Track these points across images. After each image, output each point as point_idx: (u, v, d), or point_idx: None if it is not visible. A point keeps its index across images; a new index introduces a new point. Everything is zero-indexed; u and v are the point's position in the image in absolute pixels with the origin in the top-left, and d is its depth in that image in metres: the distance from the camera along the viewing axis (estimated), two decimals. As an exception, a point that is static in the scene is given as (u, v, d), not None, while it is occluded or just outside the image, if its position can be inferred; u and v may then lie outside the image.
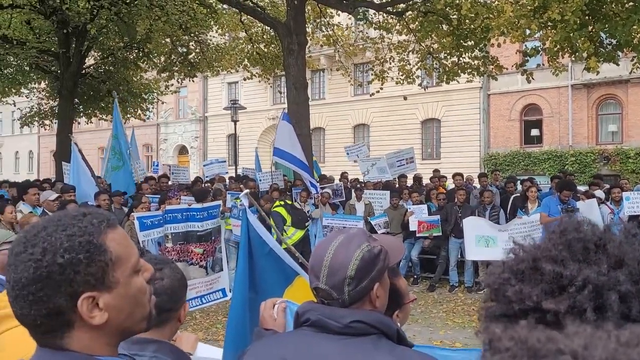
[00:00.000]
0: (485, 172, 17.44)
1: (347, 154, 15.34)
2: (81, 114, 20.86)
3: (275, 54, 18.18)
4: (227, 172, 15.57)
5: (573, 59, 12.33)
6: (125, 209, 8.97)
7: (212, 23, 17.48)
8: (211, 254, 7.74)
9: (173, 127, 36.70)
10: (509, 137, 24.75)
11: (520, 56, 13.18)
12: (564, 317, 0.70)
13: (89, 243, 0.98)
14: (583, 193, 9.67)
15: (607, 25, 10.24)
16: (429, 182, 13.13)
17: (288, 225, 9.83)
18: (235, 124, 20.85)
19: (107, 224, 1.03)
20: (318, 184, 11.59)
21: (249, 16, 16.21)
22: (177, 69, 18.76)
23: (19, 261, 0.96)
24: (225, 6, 16.73)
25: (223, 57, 18.77)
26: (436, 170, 13.80)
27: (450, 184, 12.68)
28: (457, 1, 11.77)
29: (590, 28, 10.40)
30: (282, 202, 10.06)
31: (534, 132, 24.46)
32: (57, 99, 18.83)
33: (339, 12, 16.61)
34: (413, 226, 10.10)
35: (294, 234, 9.84)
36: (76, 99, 18.58)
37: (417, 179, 13.40)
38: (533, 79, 13.05)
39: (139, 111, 20.78)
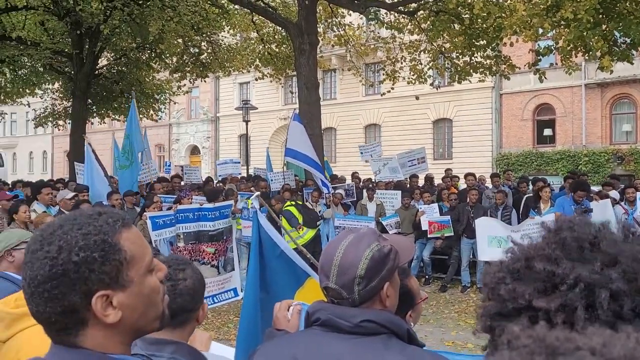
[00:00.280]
0: (498, 172, 17.35)
1: (361, 153, 15.33)
2: (94, 115, 21.03)
3: (286, 54, 18.20)
4: (240, 173, 15.63)
5: (586, 58, 12.22)
6: (138, 209, 9.03)
7: (223, 23, 17.54)
8: (223, 253, 7.77)
9: (185, 127, 36.86)
10: (522, 137, 24.59)
11: (533, 55, 13.08)
12: (555, 316, 0.71)
13: (104, 242, 0.99)
14: (596, 193, 9.59)
15: (621, 24, 10.14)
16: (441, 182, 13.08)
17: (299, 224, 9.85)
18: (246, 124, 20.92)
19: (122, 224, 1.04)
20: (330, 183, 11.60)
21: (260, 16, 16.24)
22: (189, 69, 18.84)
23: (35, 259, 0.97)
24: (236, 6, 16.78)
25: (235, 57, 18.82)
26: (448, 170, 13.75)
27: (462, 184, 12.63)
28: (469, 0, 11.71)
29: (604, 27, 10.31)
30: (293, 202, 10.09)
31: (547, 131, 24.27)
32: (71, 100, 18.98)
33: (351, 12, 16.59)
34: (424, 226, 10.07)
35: (305, 234, 9.85)
36: (89, 100, 18.74)
37: (429, 179, 13.36)
38: (546, 78, 12.93)
39: (151, 111, 20.90)
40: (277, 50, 18.62)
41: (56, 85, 21.82)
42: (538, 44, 15.15)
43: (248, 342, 2.71)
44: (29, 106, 23.76)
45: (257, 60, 19.00)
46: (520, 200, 10.41)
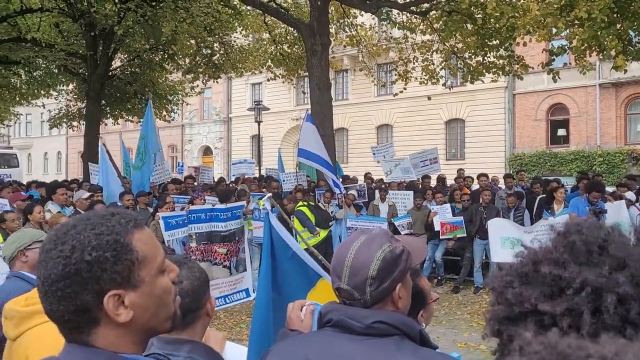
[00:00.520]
0: (511, 172, 17.23)
1: (374, 154, 15.30)
2: (108, 115, 21.20)
3: (298, 55, 18.23)
4: (253, 174, 15.67)
5: (601, 57, 12.11)
6: (150, 209, 9.08)
7: (236, 24, 17.61)
8: (235, 254, 7.80)
9: (197, 128, 37.03)
10: (535, 137, 24.42)
11: (547, 55, 12.98)
12: (561, 320, 0.70)
13: (116, 242, 1.00)
14: (611, 194, 9.50)
15: (635, 23, 10.04)
16: (453, 182, 13.03)
17: (316, 230, 9.88)
18: (259, 125, 20.97)
19: (134, 224, 1.05)
20: (342, 184, 11.61)
21: (272, 17, 16.29)
22: (201, 70, 18.94)
23: (49, 258, 0.99)
24: (249, 7, 16.84)
25: (247, 58, 18.89)
26: (460, 170, 13.68)
27: (475, 185, 12.56)
28: (482, 0, 11.65)
29: (618, 26, 10.21)
30: (306, 203, 10.10)
31: (561, 132, 24.08)
32: (85, 101, 19.15)
33: (363, 12, 16.58)
34: (437, 227, 10.03)
35: (317, 234, 9.87)
36: (103, 101, 18.88)
37: (441, 179, 13.30)
38: (559, 78, 12.83)
39: (164, 112, 21.03)
40: (289, 51, 18.66)
41: (70, 86, 22.02)
42: (552, 44, 15.01)
43: (260, 342, 2.72)
44: (44, 107, 24.02)
45: (269, 61, 19.06)
46: (534, 201, 10.33)
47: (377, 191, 11.66)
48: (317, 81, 13.39)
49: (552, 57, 12.37)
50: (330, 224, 10.16)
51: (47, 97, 22.22)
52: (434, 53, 15.67)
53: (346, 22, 17.78)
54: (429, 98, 17.28)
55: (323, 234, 9.92)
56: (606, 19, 9.44)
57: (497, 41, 13.25)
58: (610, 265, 0.73)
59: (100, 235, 1.00)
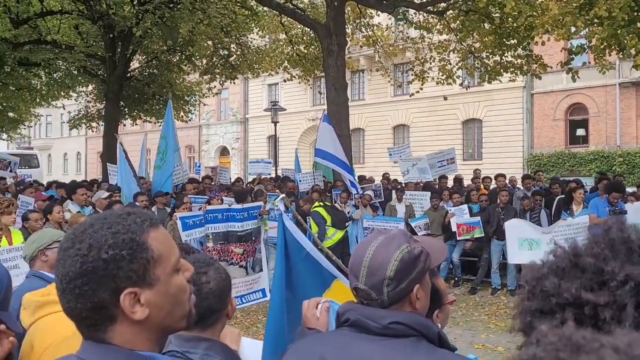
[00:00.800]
0: (529, 173, 17.07)
1: (390, 154, 15.26)
2: (126, 116, 21.42)
3: (315, 55, 18.25)
4: (269, 174, 15.72)
5: (620, 56, 11.94)
6: (168, 209, 9.15)
7: (252, 25, 17.69)
8: (251, 254, 7.82)
9: (215, 128, 37.24)
10: (554, 137, 24.16)
11: (565, 54, 12.84)
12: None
13: (132, 241, 1.02)
14: (631, 194, 9.37)
15: (657, 21, 9.89)
16: (470, 183, 12.94)
17: (328, 225, 9.85)
18: (275, 125, 21.03)
19: (150, 223, 1.06)
20: (358, 184, 11.59)
21: (289, 18, 16.32)
22: (218, 71, 19.06)
23: (67, 256, 1.01)
24: (265, 8, 16.89)
25: (263, 58, 18.96)
26: (477, 170, 13.58)
27: (493, 185, 12.46)
28: (500, -1, 11.57)
29: (638, 24, 10.06)
30: (322, 203, 10.10)
31: (580, 132, 23.80)
32: (104, 102, 19.36)
33: (379, 12, 16.55)
34: (454, 228, 9.98)
35: (333, 235, 9.86)
36: (122, 102, 19.08)
37: (458, 180, 13.22)
38: (579, 77, 12.67)
39: (182, 113, 21.19)
40: (305, 51, 18.69)
41: (90, 87, 22.29)
42: (570, 43, 14.87)
43: (275, 342, 2.73)
44: (64, 108, 24.34)
45: (286, 61, 19.11)
46: (552, 202, 10.23)
47: (394, 192, 11.62)
48: (334, 81, 13.39)
49: (571, 56, 12.24)
50: (346, 224, 10.15)
51: (66, 98, 22.53)
52: (451, 53, 15.58)
53: (362, 22, 17.76)
54: (445, 98, 17.17)
55: (339, 234, 9.91)
56: (626, 17, 9.31)
57: (515, 40, 13.12)
58: None
59: (116, 234, 1.01)
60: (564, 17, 9.94)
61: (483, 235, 9.78)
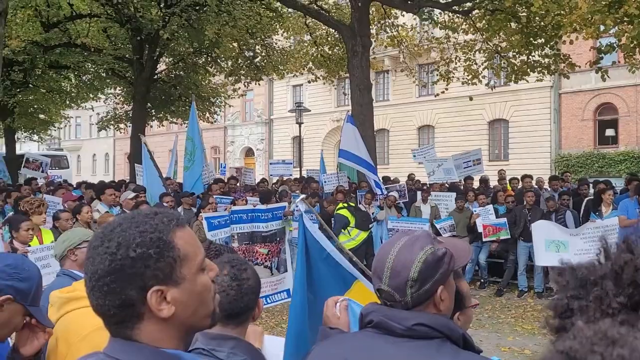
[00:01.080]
0: (557, 174, 16.81)
1: (414, 156, 15.17)
2: (153, 118, 21.70)
3: (339, 56, 18.26)
4: (291, 175, 15.75)
5: (651, 55, 11.69)
6: (194, 210, 9.24)
7: (277, 27, 17.78)
8: (276, 254, 7.86)
9: (240, 129, 37.48)
10: (582, 138, 23.74)
11: (594, 53, 12.62)
12: None
13: (159, 239, 1.04)
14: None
15: (689, 19, 9.64)
16: (497, 184, 12.80)
17: (352, 226, 9.84)
18: (299, 126, 21.07)
19: (176, 223, 1.09)
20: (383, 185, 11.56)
21: (313, 19, 16.35)
22: (243, 72, 19.18)
23: (96, 254, 1.04)
24: (290, 10, 16.95)
25: (288, 60, 19.03)
26: (501, 171, 13.42)
27: (519, 186, 12.30)
28: (527, -2, 11.41)
29: (671, 22, 9.83)
30: (346, 204, 10.08)
31: (609, 132, 23.33)
32: (131, 104, 19.66)
33: (404, 12, 16.47)
34: (480, 229, 9.88)
35: (357, 236, 9.84)
36: (149, 103, 19.34)
37: (484, 180, 13.09)
38: (608, 77, 12.41)
39: (207, 114, 21.38)
40: (329, 52, 18.71)
41: (117, 89, 22.64)
42: (599, 41, 14.59)
43: (296, 343, 2.74)
44: (93, 110, 24.77)
45: (310, 62, 19.15)
46: (581, 203, 10.06)
47: (419, 192, 11.55)
48: (358, 82, 13.37)
49: (600, 55, 12.02)
50: (370, 226, 10.11)
51: (95, 100, 22.92)
52: (477, 52, 15.43)
53: (387, 23, 17.69)
54: (471, 99, 17.00)
55: (363, 235, 9.89)
56: (658, 15, 9.11)
57: (543, 39, 12.93)
58: None
59: (144, 233, 1.03)
60: (593, 15, 9.76)
61: (509, 236, 9.66)
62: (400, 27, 18.50)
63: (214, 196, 9.19)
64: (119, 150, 42.81)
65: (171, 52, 18.92)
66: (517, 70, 14.26)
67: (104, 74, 19.82)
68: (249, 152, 37.49)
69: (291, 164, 16.61)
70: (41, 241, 6.00)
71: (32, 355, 1.79)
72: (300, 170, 19.05)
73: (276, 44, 19.06)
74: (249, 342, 1.75)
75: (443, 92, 16.63)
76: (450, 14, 15.27)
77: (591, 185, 11.13)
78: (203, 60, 19.54)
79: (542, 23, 11.90)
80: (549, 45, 13.21)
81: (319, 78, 19.78)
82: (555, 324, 0.77)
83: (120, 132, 27.98)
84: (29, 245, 5.51)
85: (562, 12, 10.64)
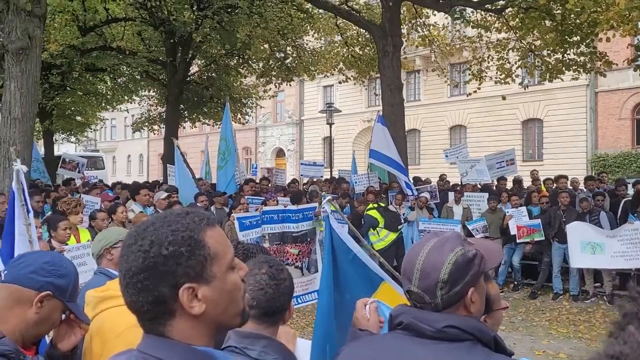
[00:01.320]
0: (593, 174, 16.43)
1: (446, 156, 15.03)
2: (186, 119, 22.01)
3: (370, 57, 18.20)
4: (322, 176, 15.77)
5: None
6: (227, 209, 9.34)
7: (308, 27, 17.83)
8: (306, 255, 7.88)
9: (271, 130, 37.73)
10: (619, 137, 23.16)
11: (632, 51, 12.29)
12: None
13: (191, 238, 1.07)
14: None
15: None
16: (530, 184, 12.58)
17: (381, 227, 9.81)
18: (330, 127, 21.09)
19: (207, 223, 1.11)
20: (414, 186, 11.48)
21: (344, 20, 16.34)
22: (275, 73, 19.31)
23: (130, 252, 1.07)
24: (321, 11, 16.97)
25: (319, 60, 19.07)
26: (534, 172, 13.19)
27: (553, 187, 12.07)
28: (562, -5, 11.20)
29: None
30: (376, 205, 10.05)
31: (648, 131, 22.73)
32: (165, 105, 19.97)
33: (435, 12, 16.33)
34: (513, 230, 9.73)
35: (386, 236, 9.81)
36: (181, 105, 19.62)
37: (517, 181, 12.88)
38: (647, 74, 12.12)
39: (239, 115, 21.57)
40: (360, 52, 18.67)
41: (151, 92, 23.04)
42: (637, 39, 14.21)
43: (323, 343, 2.75)
44: (128, 112, 25.25)
45: (341, 63, 19.13)
46: (618, 204, 9.81)
47: (451, 193, 11.44)
48: (389, 82, 13.32)
49: (638, 53, 11.71)
50: (399, 227, 10.05)
51: (130, 102, 23.36)
52: (510, 51, 15.19)
53: (418, 23, 17.55)
54: (504, 98, 16.76)
55: (392, 236, 9.84)
56: (699, 11, 8.84)
57: (578, 37, 12.67)
58: None
59: (176, 231, 1.06)
60: (631, 12, 9.51)
61: (544, 238, 9.50)
62: (431, 27, 18.34)
63: (245, 197, 9.28)
64: (153, 151, 43.54)
65: (203, 54, 19.16)
66: (551, 69, 13.99)
67: (138, 77, 20.19)
68: (279, 153, 37.69)
69: (322, 165, 16.63)
70: (78, 240, 6.16)
71: (69, 351, 1.84)
72: (331, 171, 19.05)
73: (307, 44, 19.12)
74: (280, 342, 1.75)
75: (475, 92, 16.43)
76: (482, 12, 15.08)
77: (630, 185, 10.87)
78: (235, 61, 19.73)
79: (578, 20, 11.67)
80: (584, 43, 12.93)
81: (349, 78, 19.76)
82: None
83: (154, 134, 28.48)
84: (66, 244, 5.66)
85: (598, 9, 10.41)
